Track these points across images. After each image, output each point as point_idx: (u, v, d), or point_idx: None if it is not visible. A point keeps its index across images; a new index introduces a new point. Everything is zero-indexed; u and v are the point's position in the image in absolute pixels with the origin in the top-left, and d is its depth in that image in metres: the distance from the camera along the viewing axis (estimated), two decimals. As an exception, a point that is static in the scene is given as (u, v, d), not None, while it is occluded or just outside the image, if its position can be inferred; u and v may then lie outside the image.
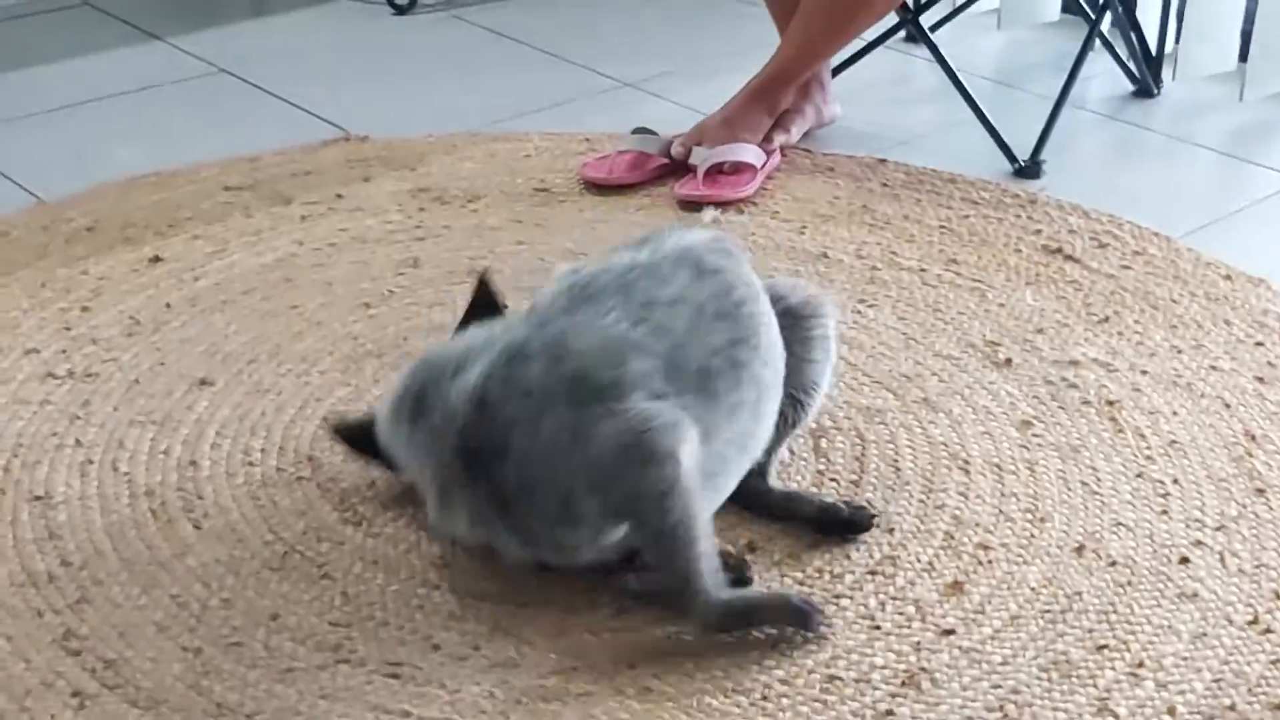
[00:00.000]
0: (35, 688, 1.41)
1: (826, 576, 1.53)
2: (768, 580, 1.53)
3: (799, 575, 1.54)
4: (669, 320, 1.46)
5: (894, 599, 1.51)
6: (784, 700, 1.38)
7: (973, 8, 3.01)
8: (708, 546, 1.41)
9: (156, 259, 2.19)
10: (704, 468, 1.42)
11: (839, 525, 1.58)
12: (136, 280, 2.13)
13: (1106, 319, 1.99)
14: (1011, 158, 2.46)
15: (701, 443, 1.41)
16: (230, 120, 2.74)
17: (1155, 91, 2.75)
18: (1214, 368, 1.88)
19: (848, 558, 1.56)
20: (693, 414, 1.42)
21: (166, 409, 1.83)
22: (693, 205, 2.32)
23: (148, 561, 1.57)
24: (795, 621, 1.44)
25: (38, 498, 1.67)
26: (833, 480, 1.68)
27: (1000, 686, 1.40)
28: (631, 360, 1.42)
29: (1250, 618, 1.48)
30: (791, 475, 1.68)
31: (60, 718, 1.38)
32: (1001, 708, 1.37)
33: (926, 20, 2.69)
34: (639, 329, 1.45)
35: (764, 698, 1.39)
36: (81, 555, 1.59)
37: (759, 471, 1.59)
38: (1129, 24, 2.69)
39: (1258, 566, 1.54)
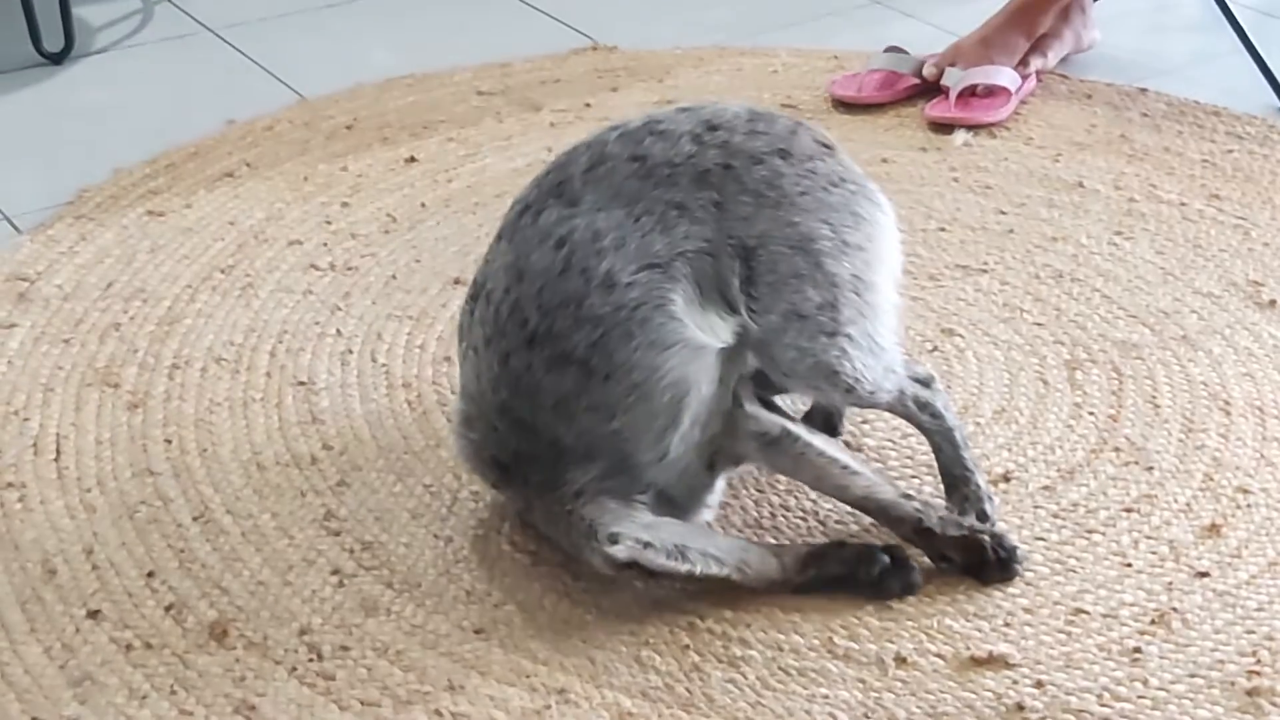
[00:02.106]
0: (298, 563, 1.48)
1: (1081, 511, 1.51)
2: (1021, 511, 1.52)
3: (1053, 508, 1.52)
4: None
5: (1148, 537, 1.48)
6: (1027, 629, 1.37)
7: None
8: None
9: (412, 159, 2.24)
10: None
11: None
12: (393, 179, 2.19)
13: (1380, 264, 1.91)
14: (1280, 92, 2.36)
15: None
16: (482, 25, 2.78)
17: None
18: None
19: (1104, 494, 1.53)
20: None
21: (422, 305, 1.88)
22: (944, 127, 2.28)
23: (403, 450, 1.63)
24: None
25: (301, 383, 1.74)
26: (1090, 414, 1.65)
27: (1254, 632, 1.36)
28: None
29: None
30: (1047, 407, 1.66)
31: (321, 593, 1.44)
32: (1254, 653, 1.34)
33: (1197, -55, 2.59)
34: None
35: (1006, 625, 1.38)
36: (342, 440, 1.65)
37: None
38: None
39: None
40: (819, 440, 1.47)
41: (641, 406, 1.37)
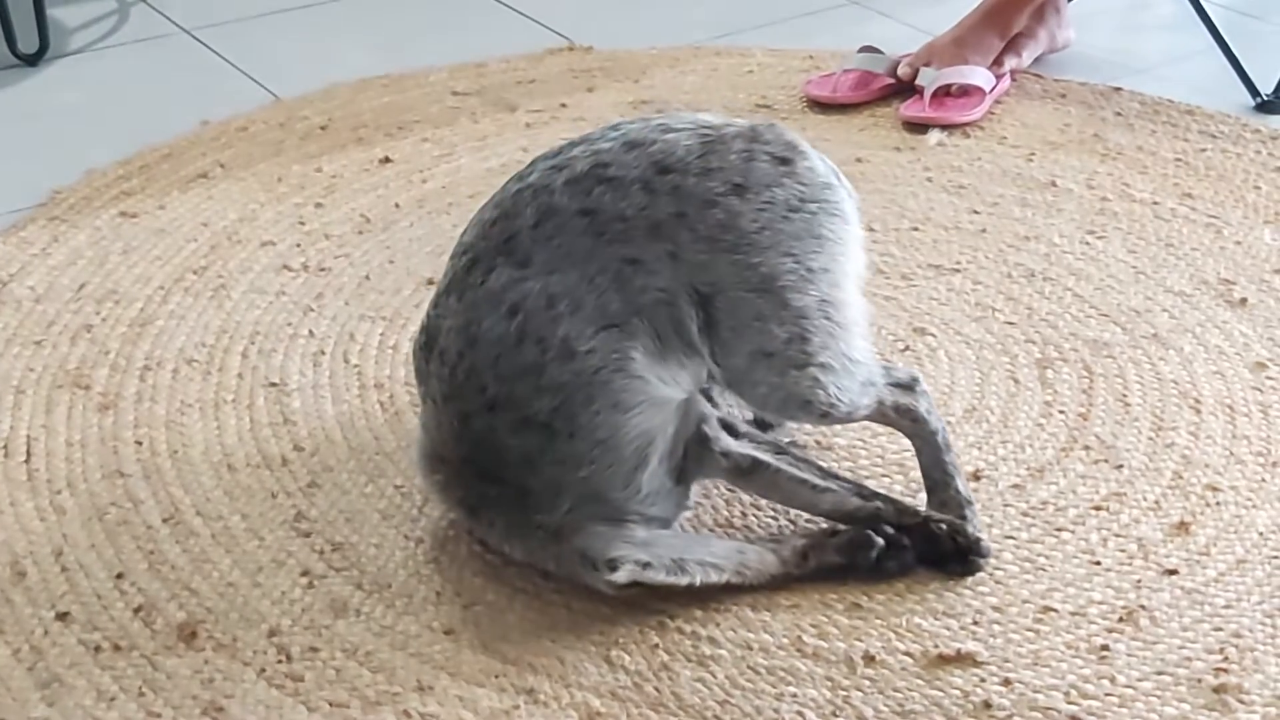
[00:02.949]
0: (267, 565, 1.47)
1: (1050, 509, 1.52)
2: (990, 509, 1.52)
3: (1022, 507, 1.52)
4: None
5: (1117, 535, 1.48)
6: (995, 627, 1.37)
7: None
8: None
9: (387, 159, 2.24)
10: None
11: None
12: (367, 179, 2.19)
13: (1350, 262, 1.91)
14: (1253, 91, 2.36)
15: None
16: (458, 26, 2.78)
17: None
18: None
19: (1074, 492, 1.54)
20: None
21: (395, 306, 1.88)
22: (918, 127, 2.29)
23: (375, 452, 1.62)
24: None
25: (273, 384, 1.74)
26: (1061, 412, 1.65)
27: (1222, 629, 1.37)
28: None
29: None
30: (1018, 406, 1.67)
31: (290, 594, 1.44)
32: (1222, 650, 1.34)
33: (1171, -56, 2.60)
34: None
35: (975, 623, 1.38)
36: (313, 442, 1.64)
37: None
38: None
39: None
40: (787, 464, 1.47)
41: (608, 457, 1.37)
